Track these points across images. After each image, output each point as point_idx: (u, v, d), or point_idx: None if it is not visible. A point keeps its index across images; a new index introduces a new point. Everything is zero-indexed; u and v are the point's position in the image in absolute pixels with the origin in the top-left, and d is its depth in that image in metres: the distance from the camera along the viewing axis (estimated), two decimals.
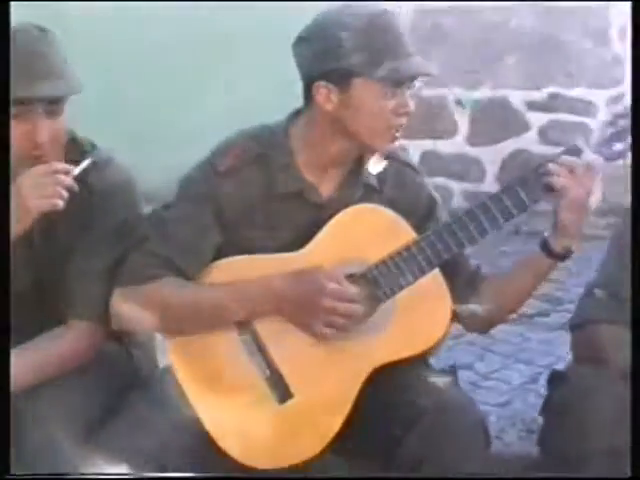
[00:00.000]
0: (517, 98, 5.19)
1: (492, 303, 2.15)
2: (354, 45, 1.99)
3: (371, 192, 2.13)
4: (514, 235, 4.39)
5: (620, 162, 2.09)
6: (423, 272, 2.05)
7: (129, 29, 4.80)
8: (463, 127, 5.21)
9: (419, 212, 2.16)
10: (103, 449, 1.97)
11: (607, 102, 5.10)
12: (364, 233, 2.08)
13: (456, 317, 2.12)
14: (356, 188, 2.13)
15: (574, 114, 5.13)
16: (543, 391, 2.54)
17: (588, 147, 2.04)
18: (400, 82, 2.02)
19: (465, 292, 2.14)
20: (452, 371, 2.18)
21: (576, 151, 2.03)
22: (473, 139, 5.21)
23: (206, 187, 2.08)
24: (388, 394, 2.04)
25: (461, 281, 2.14)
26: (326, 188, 2.11)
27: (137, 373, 2.22)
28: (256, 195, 2.08)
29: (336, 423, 2.03)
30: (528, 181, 2.04)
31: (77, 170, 2.02)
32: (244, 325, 2.06)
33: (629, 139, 2.04)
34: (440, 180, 5.01)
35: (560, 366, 2.57)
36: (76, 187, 2.00)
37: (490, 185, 5.10)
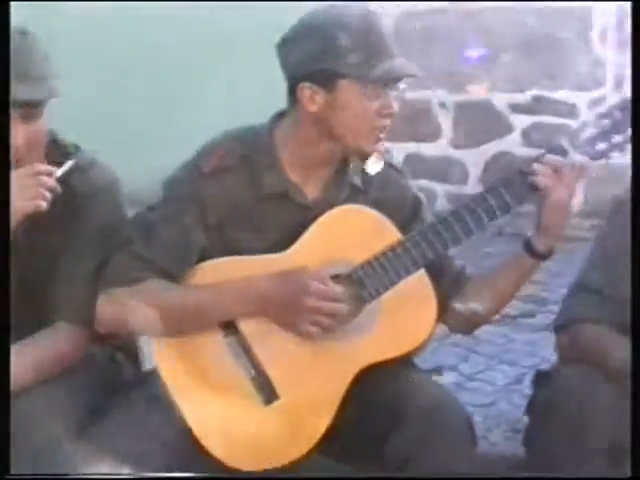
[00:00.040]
0: (500, 101, 5.21)
1: (477, 303, 2.16)
2: (338, 46, 1.99)
3: (356, 193, 2.14)
4: (497, 237, 4.41)
5: (603, 162, 2.10)
6: (408, 272, 2.05)
7: (125, 30, 4.79)
8: (447, 130, 5.23)
9: (404, 213, 2.17)
10: (88, 451, 1.97)
11: (589, 104, 5.13)
12: (349, 234, 2.08)
13: (441, 317, 2.12)
14: (341, 189, 2.13)
15: (557, 116, 5.16)
16: (528, 392, 2.55)
17: (572, 147, 2.05)
18: (384, 83, 2.02)
19: (450, 292, 2.15)
20: (438, 371, 2.19)
21: (560, 151, 2.04)
22: (456, 141, 5.23)
23: (190, 188, 2.08)
24: (374, 394, 2.05)
25: (446, 281, 2.15)
26: (311, 189, 2.12)
27: (121, 376, 2.22)
28: (241, 196, 2.08)
29: (322, 424, 2.03)
30: (513, 181, 2.04)
31: (60, 172, 2.02)
32: (229, 326, 2.06)
33: (613, 139, 2.05)
34: (424, 182, 5.02)
35: (545, 367, 2.57)
36: (59, 189, 1.99)
37: (473, 187, 5.11)
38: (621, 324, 2.19)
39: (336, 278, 2.05)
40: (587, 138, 2.04)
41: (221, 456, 2.01)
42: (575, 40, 5.17)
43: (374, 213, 2.10)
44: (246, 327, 2.06)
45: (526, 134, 5.21)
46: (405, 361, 2.11)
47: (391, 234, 2.08)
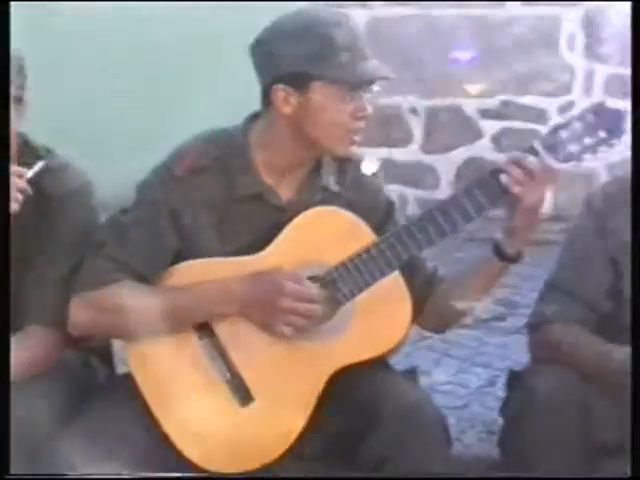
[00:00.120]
0: (470, 106, 5.24)
1: (449, 304, 2.17)
2: (312, 48, 1.99)
3: (330, 195, 2.14)
4: (469, 241, 4.42)
5: (574, 164, 2.12)
6: (383, 274, 2.05)
7: (122, 31, 4.77)
8: (418, 135, 5.25)
9: (378, 215, 2.17)
10: (61, 453, 1.95)
11: (558, 110, 5.17)
12: (323, 235, 2.08)
13: (416, 319, 2.13)
14: (315, 191, 2.13)
15: (526, 122, 5.19)
16: (501, 394, 2.57)
17: (544, 149, 2.06)
18: (358, 86, 2.03)
19: (423, 294, 2.15)
20: (413, 372, 2.19)
21: (532, 153, 2.04)
22: (427, 147, 5.25)
23: (163, 191, 2.07)
24: (350, 395, 2.05)
25: (420, 283, 2.15)
26: (285, 191, 2.12)
27: (95, 379, 2.20)
28: (215, 198, 2.08)
29: (298, 425, 2.03)
30: (486, 183, 2.05)
31: (30, 173, 2.01)
32: (204, 329, 2.06)
33: (585, 141, 2.06)
34: (395, 187, 5.02)
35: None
36: (30, 190, 1.98)
37: (445, 192, 5.12)
38: (591, 323, 2.21)
39: (311, 280, 2.05)
40: (559, 140, 2.05)
41: (197, 460, 2.01)
42: (544, 46, 5.21)
43: (348, 215, 2.10)
44: (221, 329, 2.05)
45: (496, 139, 5.23)
46: (380, 362, 2.11)
47: (365, 236, 2.08)
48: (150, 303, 2.03)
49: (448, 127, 5.22)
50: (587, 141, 2.06)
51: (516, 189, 2.00)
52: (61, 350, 2.10)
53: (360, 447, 2.00)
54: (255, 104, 2.12)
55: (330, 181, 2.15)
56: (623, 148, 5.48)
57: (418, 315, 2.13)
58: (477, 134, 5.26)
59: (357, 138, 2.08)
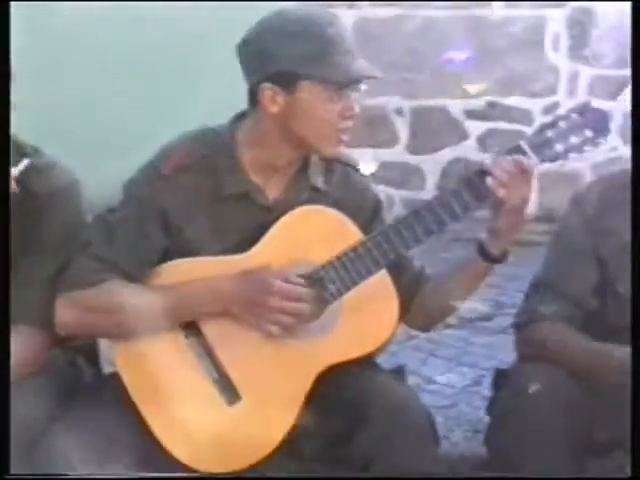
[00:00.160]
0: (456, 107, 5.25)
1: (435, 303, 2.17)
2: (299, 47, 1.99)
3: (317, 194, 2.14)
4: (454, 242, 4.43)
5: (560, 163, 2.12)
6: (370, 272, 2.05)
7: (120, 31, 4.76)
8: (403, 136, 5.26)
9: (365, 213, 2.17)
10: (45, 454, 1.95)
11: (542, 110, 5.19)
12: (311, 234, 2.08)
13: (403, 317, 2.13)
14: (302, 190, 2.13)
15: (511, 122, 5.21)
16: (487, 393, 2.57)
17: (530, 148, 2.06)
18: (345, 85, 2.02)
19: (410, 292, 2.15)
20: (400, 371, 2.20)
21: (520, 152, 2.04)
22: (413, 148, 5.26)
23: (150, 190, 2.07)
24: (338, 394, 2.05)
25: (407, 281, 2.15)
26: (272, 190, 2.12)
27: (81, 379, 2.20)
28: (202, 197, 2.08)
29: (286, 424, 2.02)
30: (473, 182, 2.04)
31: (16, 171, 2.00)
32: (191, 328, 2.05)
33: (570, 140, 2.07)
34: (381, 188, 5.02)
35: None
36: (16, 188, 1.97)
37: (430, 193, 5.14)
38: (577, 321, 2.22)
39: (298, 279, 2.05)
40: (545, 139, 2.06)
41: (186, 460, 2.01)
42: (529, 47, 5.23)
43: (335, 213, 2.10)
44: (208, 328, 2.05)
45: (481, 140, 5.25)
46: (368, 361, 2.11)
47: (352, 234, 2.08)
48: (138, 302, 2.03)
49: (434, 128, 5.24)
50: (573, 140, 2.07)
51: (500, 192, 2.00)
52: (48, 350, 2.09)
53: (348, 446, 2.00)
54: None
55: (317, 180, 2.15)
56: (608, 149, 5.53)
57: (405, 314, 2.13)
58: (462, 135, 5.27)
59: (345, 137, 2.07)
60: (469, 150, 5.24)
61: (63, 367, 2.17)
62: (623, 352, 2.05)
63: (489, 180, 2.00)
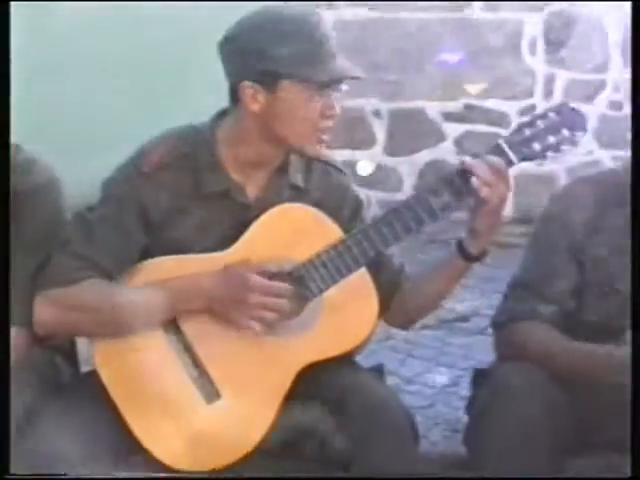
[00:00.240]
0: (433, 109, 5.27)
1: (414, 301, 2.18)
2: (281, 46, 1.99)
3: (298, 192, 2.14)
4: (430, 243, 4.44)
5: (539, 162, 2.14)
6: (350, 270, 2.05)
7: (120, 30, 4.75)
8: (381, 137, 5.27)
9: (345, 212, 2.17)
10: (24, 453, 1.93)
11: (519, 113, 5.22)
12: (291, 232, 2.08)
13: (382, 315, 2.13)
14: (283, 188, 2.13)
15: (488, 125, 5.23)
16: (465, 393, 2.58)
17: (508, 147, 2.07)
18: (327, 84, 2.02)
19: (389, 290, 2.16)
20: (379, 370, 2.20)
21: (499, 151, 2.06)
22: (390, 149, 5.27)
23: (130, 188, 2.07)
24: (317, 392, 2.05)
25: (386, 279, 2.16)
26: (252, 188, 2.11)
27: (59, 378, 2.18)
28: (182, 195, 2.07)
29: (265, 422, 2.02)
30: (452, 181, 2.05)
31: None
32: (171, 326, 2.05)
33: (548, 140, 2.08)
34: (358, 190, 5.04)
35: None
36: None
37: (407, 195, 5.13)
38: (556, 321, 2.23)
39: (278, 276, 2.05)
40: (524, 139, 2.07)
41: (166, 459, 2.00)
42: (506, 50, 5.26)
43: (315, 212, 2.10)
44: (187, 326, 2.05)
45: (458, 142, 5.28)
46: (348, 359, 2.12)
47: (333, 232, 2.08)
48: (117, 301, 2.02)
49: (411, 130, 5.25)
50: (551, 139, 2.08)
51: (484, 191, 2.00)
52: (29, 349, 2.08)
53: (328, 445, 2.01)
54: None
55: (297, 179, 2.15)
56: (583, 152, 5.56)
57: (385, 311, 2.14)
58: (440, 137, 5.29)
59: (325, 137, 2.08)
60: (446, 152, 5.26)
61: (42, 366, 2.16)
62: (606, 350, 2.07)
63: (474, 180, 2.00)
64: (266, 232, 2.08)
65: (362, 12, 5.17)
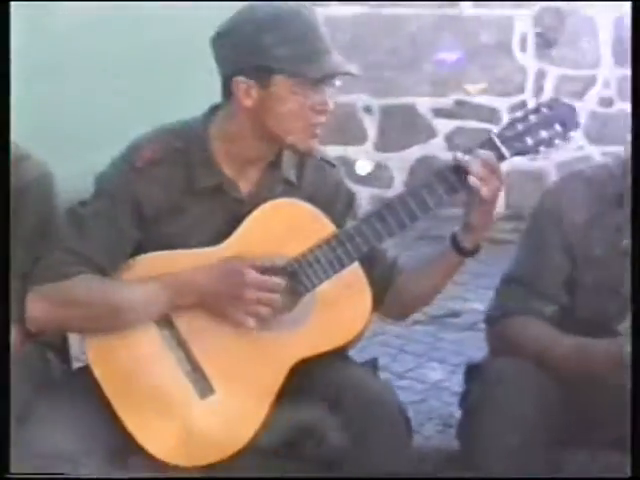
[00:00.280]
0: (424, 105, 5.28)
1: (408, 294, 2.18)
2: (274, 41, 1.99)
3: (290, 187, 2.14)
4: (419, 240, 4.45)
5: (531, 156, 2.14)
6: (343, 265, 2.05)
7: (120, 30, 4.74)
8: (372, 133, 5.27)
9: (338, 207, 2.17)
10: (16, 450, 1.93)
11: (510, 109, 5.23)
12: (283, 227, 2.08)
13: (376, 310, 2.14)
14: (275, 183, 2.13)
15: (479, 121, 5.24)
16: (457, 389, 2.58)
17: (501, 142, 2.07)
18: (320, 80, 2.02)
19: (383, 285, 2.16)
20: (374, 364, 2.20)
21: (491, 145, 2.06)
22: (381, 145, 5.27)
23: (123, 183, 2.06)
24: (311, 388, 2.05)
25: (378, 274, 2.16)
26: (245, 183, 2.11)
27: (51, 374, 2.18)
28: (175, 190, 2.07)
29: (258, 418, 2.02)
30: (445, 175, 2.05)
31: None
32: (164, 321, 2.05)
33: (540, 134, 2.09)
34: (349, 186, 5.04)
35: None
36: None
37: (398, 191, 5.12)
38: (548, 316, 2.23)
39: (271, 270, 2.05)
40: (516, 133, 2.07)
41: (158, 453, 2.00)
42: (496, 46, 5.27)
43: (308, 207, 2.10)
44: (181, 322, 2.04)
45: (449, 138, 5.28)
46: (341, 354, 2.12)
47: (325, 227, 2.08)
48: (110, 296, 2.02)
49: (402, 126, 5.25)
50: (543, 134, 2.08)
51: (478, 186, 2.00)
52: (24, 345, 2.08)
53: (323, 439, 2.01)
54: None
55: (290, 174, 2.15)
56: (574, 148, 5.58)
57: (378, 305, 2.14)
58: (430, 133, 5.30)
59: (318, 132, 2.07)
60: (437, 148, 5.27)
61: (34, 361, 2.15)
62: (599, 343, 2.07)
63: (471, 179, 2.00)
64: (259, 227, 2.08)
65: (351, 8, 5.17)
